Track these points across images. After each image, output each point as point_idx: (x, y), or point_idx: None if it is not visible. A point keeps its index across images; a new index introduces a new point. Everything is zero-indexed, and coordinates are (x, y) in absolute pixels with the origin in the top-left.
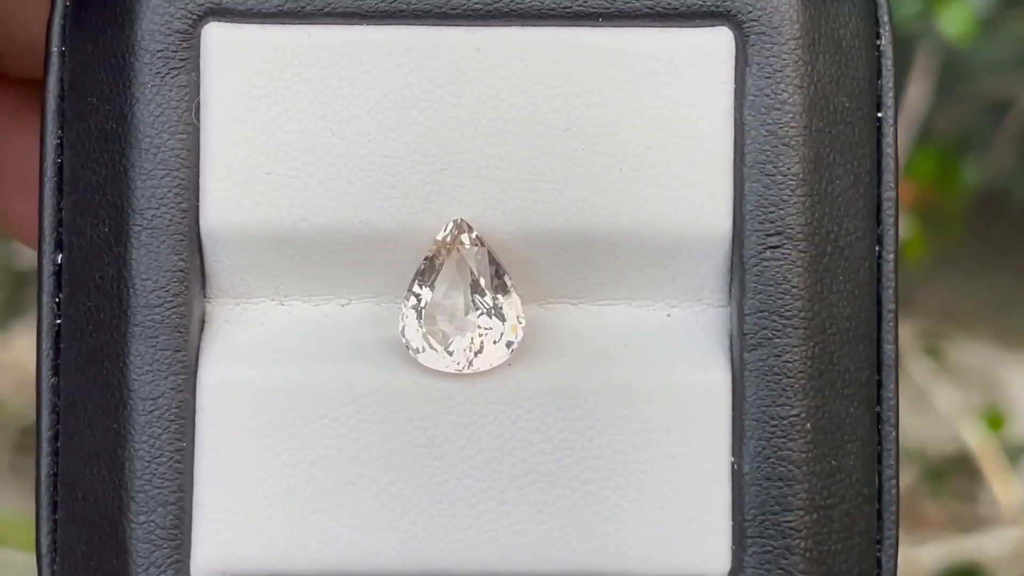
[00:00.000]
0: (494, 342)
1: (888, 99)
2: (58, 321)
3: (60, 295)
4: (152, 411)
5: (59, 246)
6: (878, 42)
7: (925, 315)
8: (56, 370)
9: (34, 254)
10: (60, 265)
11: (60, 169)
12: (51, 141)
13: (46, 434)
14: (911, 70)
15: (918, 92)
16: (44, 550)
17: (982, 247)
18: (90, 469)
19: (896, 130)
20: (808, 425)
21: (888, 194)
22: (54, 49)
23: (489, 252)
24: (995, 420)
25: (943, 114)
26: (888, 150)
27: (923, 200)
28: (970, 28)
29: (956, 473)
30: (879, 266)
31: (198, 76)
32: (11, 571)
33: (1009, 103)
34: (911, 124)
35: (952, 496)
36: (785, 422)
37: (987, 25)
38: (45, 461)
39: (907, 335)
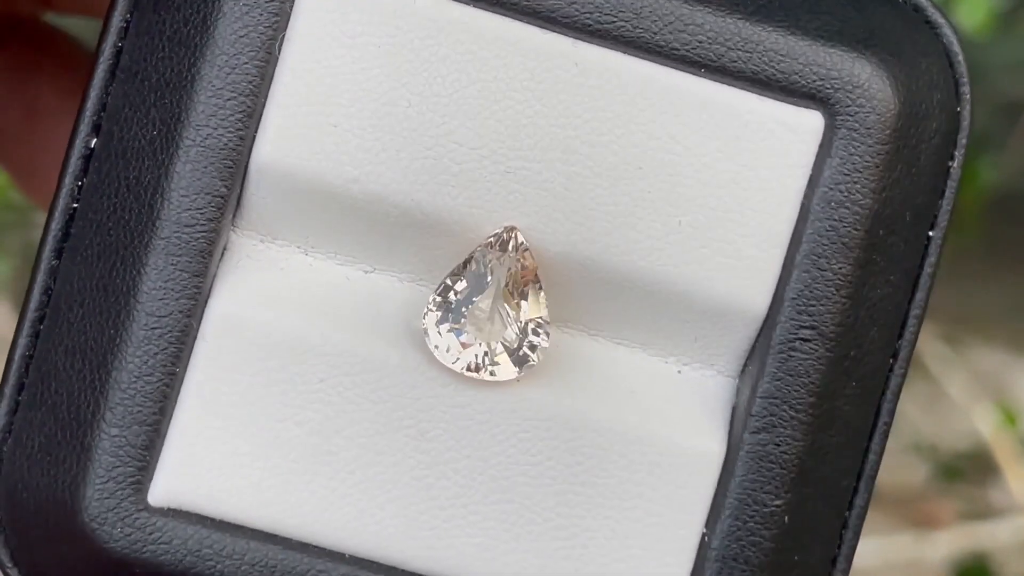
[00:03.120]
0: (510, 355)
1: (943, 220)
2: (75, 205)
3: (84, 180)
4: (155, 328)
5: (96, 131)
6: (950, 163)
7: (939, 319)
8: (59, 253)
9: None
10: (92, 150)
11: (118, 53)
12: (117, 22)
13: (32, 314)
14: None
15: None
16: None
17: (996, 250)
18: (71, 364)
19: (941, 250)
20: (786, 519)
21: (916, 312)
22: None
23: (532, 265)
24: (1009, 418)
25: None
26: (929, 269)
27: None
28: (988, 20)
29: (969, 467)
30: (888, 378)
31: (291, 8)
32: None
33: None
34: None
35: (965, 486)
36: (765, 510)
37: (1003, 24)
38: (23, 341)
39: (922, 336)
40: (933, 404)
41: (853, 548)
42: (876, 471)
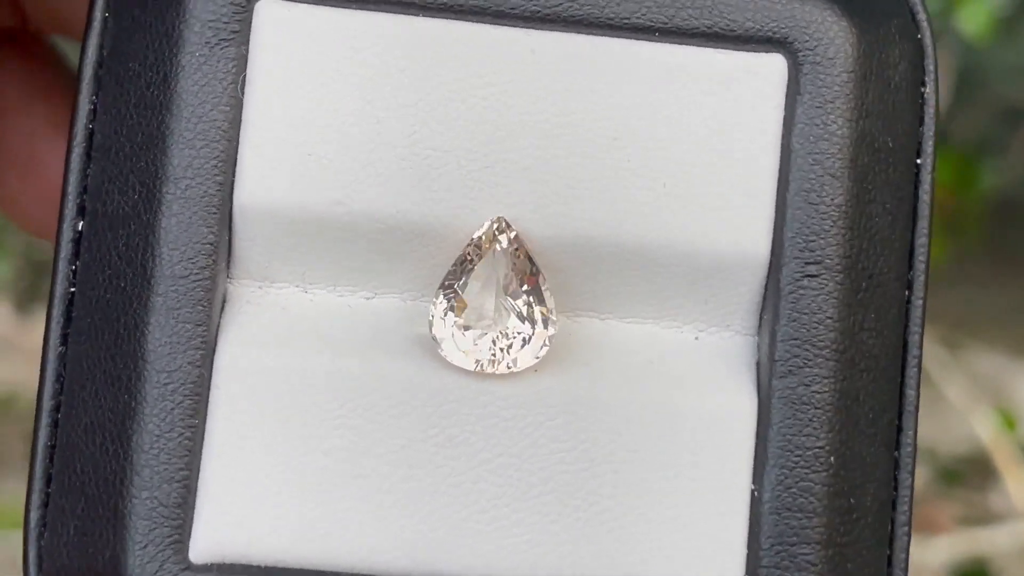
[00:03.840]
0: (523, 346)
1: (928, 147)
2: (72, 289)
3: (77, 263)
4: (167, 384)
5: (81, 212)
6: (923, 89)
7: (939, 323)
8: (64, 339)
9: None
10: (80, 232)
11: (91, 135)
12: (84, 107)
13: (47, 404)
14: None
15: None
16: (32, 524)
17: (996, 255)
18: (92, 440)
19: (934, 179)
20: (832, 459)
21: (921, 240)
22: (97, 14)
23: (527, 254)
24: (1009, 422)
25: (959, 119)
26: (924, 197)
27: (941, 205)
28: (989, 26)
29: (969, 471)
30: (908, 310)
31: (247, 50)
32: None
33: None
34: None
35: (965, 491)
36: (809, 453)
37: (1004, 30)
38: (43, 432)
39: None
40: (932, 408)
41: (910, 490)
42: (917, 406)
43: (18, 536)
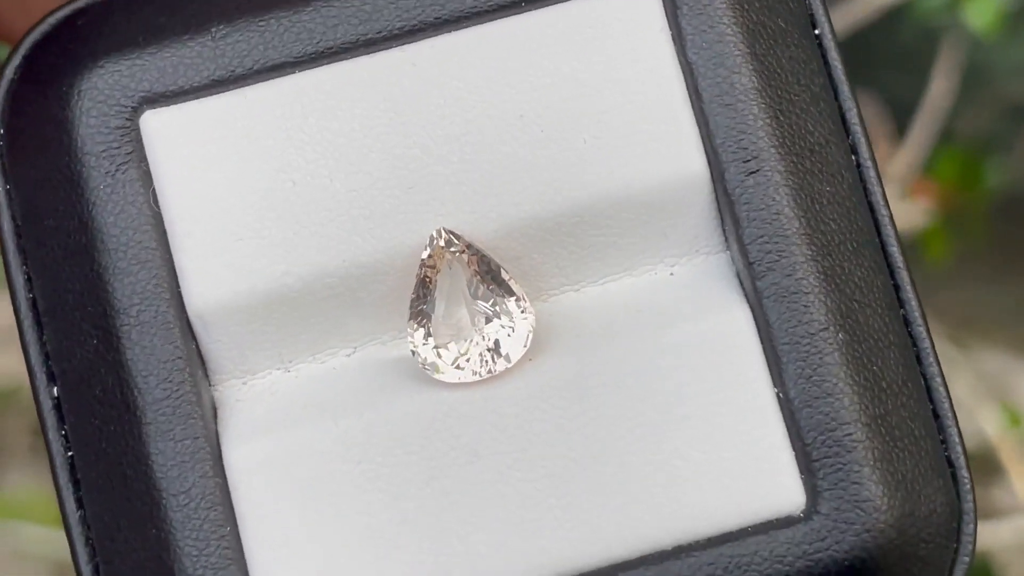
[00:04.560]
0: (508, 338)
1: (820, 15)
2: (70, 454)
3: (65, 427)
4: (187, 504)
5: (52, 379)
6: None
7: (945, 320)
8: (80, 502)
9: None
10: (58, 397)
11: (34, 303)
12: (19, 279)
13: (86, 568)
14: (935, 64)
15: (941, 88)
16: None
17: (1002, 253)
18: None
19: (837, 44)
20: (840, 335)
21: (848, 104)
22: (0, 190)
23: (480, 253)
24: (1014, 419)
25: (965, 116)
26: (835, 64)
27: (947, 201)
28: (996, 22)
29: (973, 467)
30: (860, 173)
31: (147, 165)
32: (33, 546)
33: None
34: (934, 121)
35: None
36: (816, 337)
37: (1011, 26)
38: None
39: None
40: None
41: (928, 341)
42: (906, 264)
43: (18, 527)
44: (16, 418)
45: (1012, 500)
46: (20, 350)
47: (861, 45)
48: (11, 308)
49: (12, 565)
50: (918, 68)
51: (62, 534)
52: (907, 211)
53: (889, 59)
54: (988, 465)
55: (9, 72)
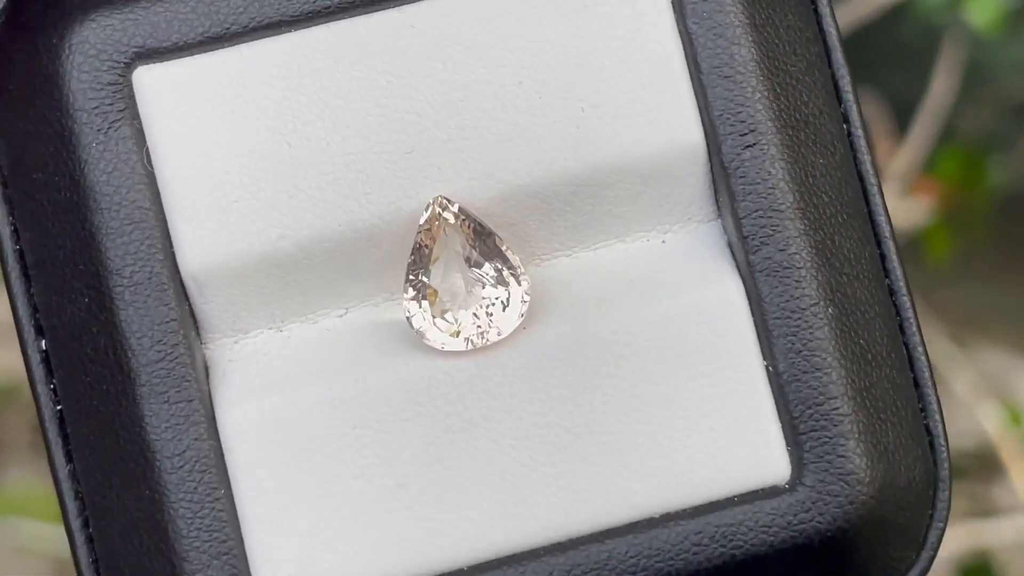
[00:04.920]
0: (503, 308)
1: None
2: (59, 407)
3: (54, 381)
4: (181, 466)
5: (40, 332)
6: None
7: (946, 318)
8: (70, 456)
9: None
10: (46, 351)
11: (21, 255)
12: (5, 230)
13: (75, 523)
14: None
15: (943, 86)
16: None
17: (1004, 251)
18: (131, 544)
19: (833, 13)
20: (829, 309)
21: (841, 72)
22: None
23: (476, 221)
24: (1015, 417)
25: (967, 114)
26: (830, 30)
27: (948, 200)
28: (997, 19)
29: (975, 465)
30: (852, 142)
31: (140, 123)
32: (33, 542)
33: None
34: (935, 119)
35: (970, 485)
36: (807, 312)
37: (1013, 24)
38: (82, 551)
39: (927, 337)
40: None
41: (912, 310)
42: (892, 234)
43: (19, 523)
44: (17, 415)
45: (1012, 499)
46: (19, 347)
47: (862, 43)
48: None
49: (13, 561)
50: (919, 66)
51: (63, 531)
52: (908, 209)
53: (890, 57)
54: (989, 464)
55: None
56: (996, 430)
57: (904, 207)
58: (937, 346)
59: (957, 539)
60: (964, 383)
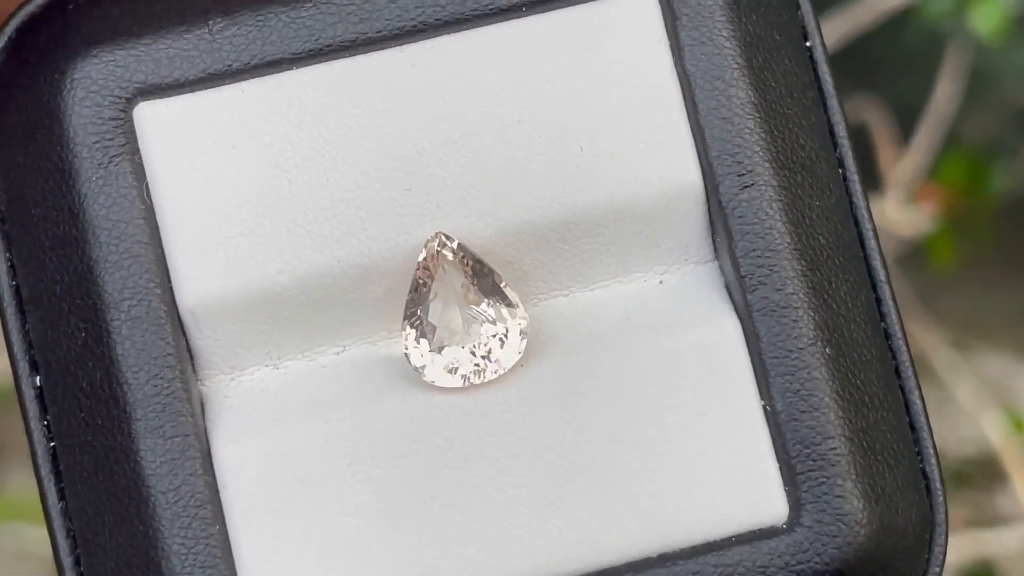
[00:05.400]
0: (501, 346)
1: (812, 27)
2: (52, 444)
3: (48, 417)
4: (176, 501)
5: (35, 368)
6: None
7: (948, 324)
8: (62, 493)
9: None
10: (41, 387)
11: (17, 291)
12: (1, 266)
13: (67, 561)
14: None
15: (947, 92)
16: None
17: (1007, 257)
18: None
19: (826, 55)
20: (826, 350)
21: (836, 118)
22: None
23: (475, 258)
24: (1018, 424)
25: (971, 120)
26: (825, 77)
27: (952, 206)
28: (1002, 25)
29: (977, 473)
30: (847, 187)
31: (140, 158)
32: (34, 547)
33: None
34: (939, 125)
35: (972, 493)
36: (804, 352)
37: (1018, 30)
38: None
39: (929, 344)
40: (941, 410)
41: (907, 354)
42: (888, 278)
43: (20, 528)
44: (17, 418)
45: (1015, 507)
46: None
47: (866, 49)
48: None
49: (13, 566)
50: (923, 72)
51: None
52: (912, 215)
53: (894, 63)
54: (991, 471)
55: None
56: (999, 437)
57: (908, 213)
58: (940, 353)
59: (959, 548)
60: (967, 390)
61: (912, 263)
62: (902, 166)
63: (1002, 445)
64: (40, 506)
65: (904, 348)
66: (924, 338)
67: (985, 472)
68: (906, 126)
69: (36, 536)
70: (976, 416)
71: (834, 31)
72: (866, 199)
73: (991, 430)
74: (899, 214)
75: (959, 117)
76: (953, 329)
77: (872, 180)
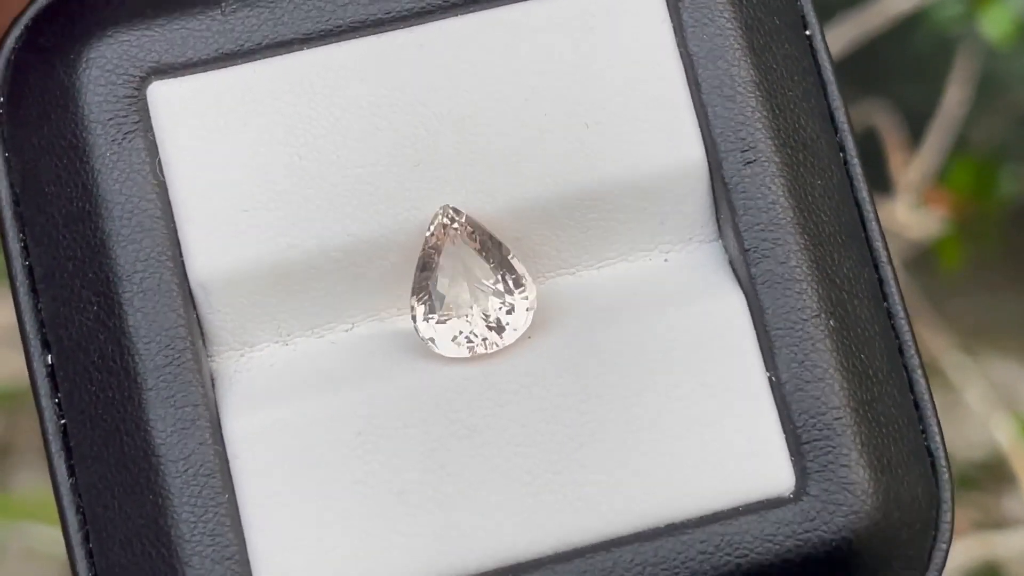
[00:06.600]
0: (508, 316)
1: (811, 18)
2: (62, 421)
3: (59, 394)
4: (186, 470)
5: (47, 346)
6: None
7: (957, 328)
8: (72, 470)
9: None
10: (52, 365)
11: (30, 270)
12: (15, 246)
13: (76, 537)
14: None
15: (956, 97)
16: None
17: (1015, 261)
18: (132, 552)
19: (826, 45)
20: (830, 322)
21: (836, 103)
22: None
23: (483, 231)
24: None
25: (980, 125)
26: (824, 63)
27: (960, 210)
28: (1012, 30)
29: (985, 476)
30: (848, 170)
31: (154, 135)
32: (43, 546)
33: None
34: (948, 130)
35: (980, 496)
36: (808, 323)
37: None
38: (81, 565)
39: (938, 347)
40: (950, 413)
41: (910, 334)
42: (889, 258)
43: (28, 527)
44: (26, 419)
45: (1023, 510)
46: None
47: (876, 54)
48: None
49: (23, 565)
50: (933, 77)
51: None
52: (921, 220)
53: (904, 68)
54: (999, 474)
55: (11, 41)
56: (1007, 441)
57: (917, 217)
58: (949, 356)
59: (967, 550)
60: (975, 393)
61: (921, 267)
62: (911, 170)
63: (1010, 448)
64: (48, 506)
65: (907, 328)
66: (933, 341)
67: (993, 475)
68: (915, 130)
69: (44, 535)
70: (984, 419)
71: (843, 36)
72: (867, 183)
73: (999, 433)
74: (908, 217)
75: (968, 122)
76: (962, 333)
77: (881, 184)
